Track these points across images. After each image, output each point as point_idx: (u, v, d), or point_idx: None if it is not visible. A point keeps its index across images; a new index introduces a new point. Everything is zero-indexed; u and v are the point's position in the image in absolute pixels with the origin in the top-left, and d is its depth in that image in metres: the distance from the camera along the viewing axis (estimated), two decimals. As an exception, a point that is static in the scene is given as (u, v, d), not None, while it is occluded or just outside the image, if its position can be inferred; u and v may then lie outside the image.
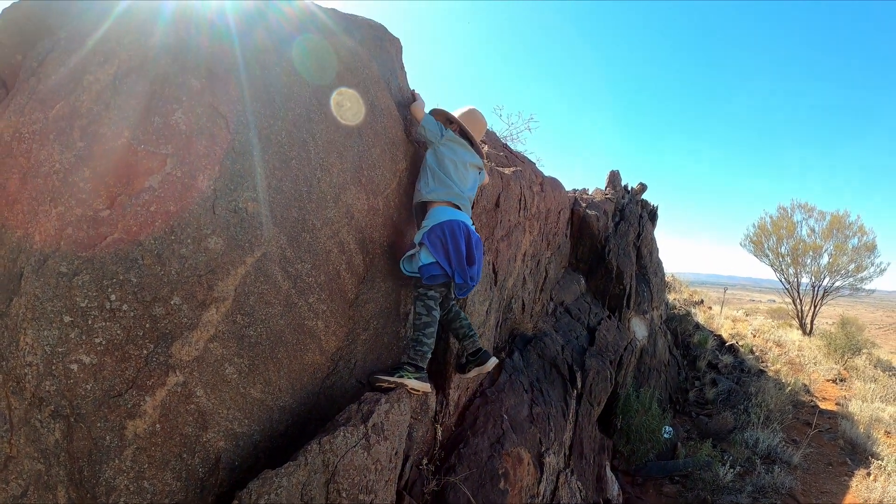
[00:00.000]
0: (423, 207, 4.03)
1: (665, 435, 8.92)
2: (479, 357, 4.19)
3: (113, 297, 2.42)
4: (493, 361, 4.21)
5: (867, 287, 23.91)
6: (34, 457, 2.39)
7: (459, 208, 3.96)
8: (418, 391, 3.65)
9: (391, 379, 3.52)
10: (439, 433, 4.26)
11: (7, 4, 3.10)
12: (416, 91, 4.54)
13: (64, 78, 2.66)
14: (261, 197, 2.93)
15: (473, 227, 4.08)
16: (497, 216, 5.41)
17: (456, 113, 4.34)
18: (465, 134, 4.24)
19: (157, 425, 2.51)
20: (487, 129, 7.84)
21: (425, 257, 3.77)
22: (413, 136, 4.27)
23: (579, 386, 6.44)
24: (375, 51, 4.12)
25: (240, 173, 2.84)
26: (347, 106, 3.61)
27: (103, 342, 2.40)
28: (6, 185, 2.58)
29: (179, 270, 2.57)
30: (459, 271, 3.80)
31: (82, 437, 2.39)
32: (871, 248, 23.22)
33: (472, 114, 4.37)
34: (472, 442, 4.39)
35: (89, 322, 2.38)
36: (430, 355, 3.75)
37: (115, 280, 2.43)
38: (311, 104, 3.36)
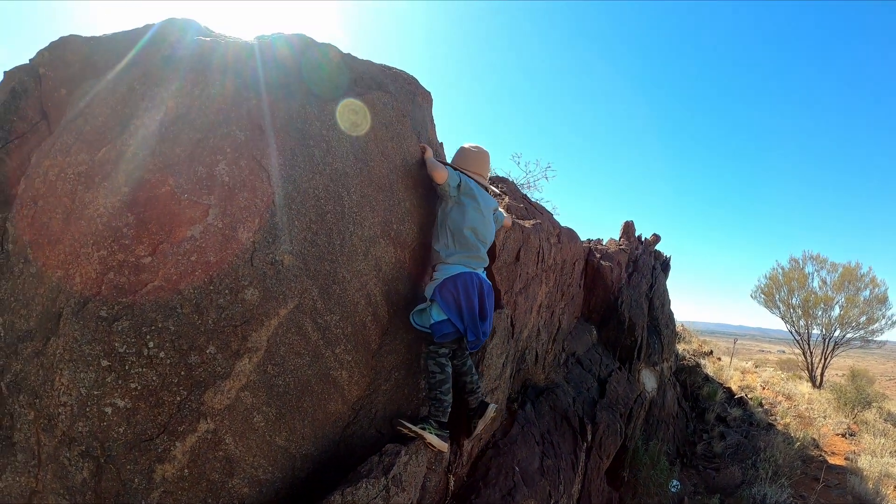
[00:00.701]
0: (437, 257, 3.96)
1: (672, 489, 8.83)
2: (478, 410, 4.11)
3: (151, 344, 2.48)
4: (492, 408, 4.12)
5: (878, 339, 23.65)
6: (60, 493, 2.44)
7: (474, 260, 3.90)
8: (435, 448, 3.64)
9: (414, 428, 3.53)
10: (452, 483, 4.26)
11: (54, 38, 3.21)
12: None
13: (111, 121, 2.76)
14: (296, 250, 3.00)
15: (485, 274, 4.03)
16: (516, 270, 5.46)
17: (455, 160, 4.25)
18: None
19: (186, 470, 2.55)
20: (507, 179, 7.91)
21: (437, 314, 3.71)
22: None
23: (589, 439, 6.42)
24: (408, 104, 4.20)
25: (278, 226, 2.91)
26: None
27: (139, 387, 2.46)
28: (49, 225, 2.66)
29: (216, 320, 2.63)
30: (472, 328, 3.75)
31: (111, 478, 2.43)
32: (883, 301, 22.99)
33: (465, 154, 4.24)
34: (484, 493, 4.38)
35: (126, 367, 2.44)
36: (450, 409, 3.74)
37: (153, 327, 2.49)
38: (349, 159, 3.45)
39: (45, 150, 2.82)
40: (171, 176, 2.63)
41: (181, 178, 2.65)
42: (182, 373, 2.54)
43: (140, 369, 2.46)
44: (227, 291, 2.67)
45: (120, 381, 2.43)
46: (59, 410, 2.43)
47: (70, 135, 2.78)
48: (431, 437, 3.57)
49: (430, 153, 4.15)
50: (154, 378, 2.48)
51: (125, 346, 2.45)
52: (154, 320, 2.50)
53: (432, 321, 3.72)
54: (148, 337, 2.48)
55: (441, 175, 3.88)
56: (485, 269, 4.12)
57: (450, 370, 3.78)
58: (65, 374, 2.43)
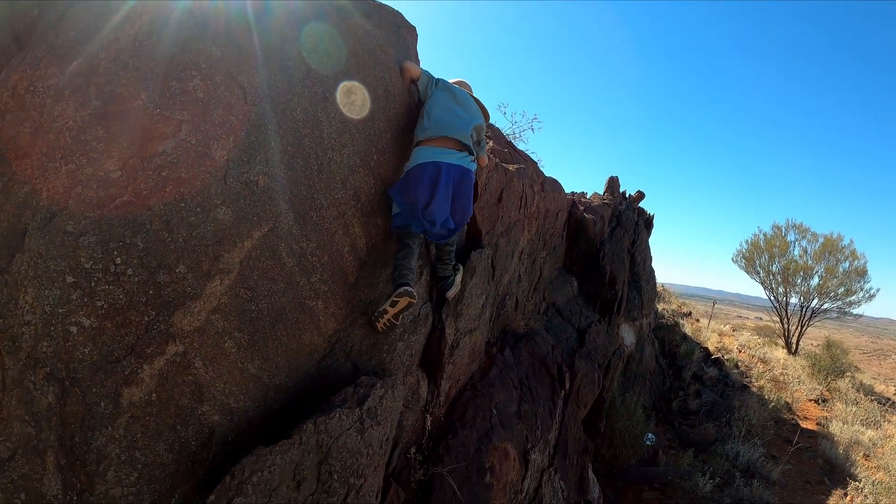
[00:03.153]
0: None
1: (647, 441, 8.96)
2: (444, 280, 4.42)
3: (118, 261, 2.39)
4: (457, 281, 4.44)
5: (855, 311, 23.84)
6: (25, 419, 2.33)
7: (446, 146, 3.85)
8: (405, 301, 3.61)
9: (391, 300, 3.60)
10: (429, 423, 4.26)
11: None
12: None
13: (83, 34, 2.60)
14: (272, 171, 2.91)
15: (467, 161, 3.93)
16: (499, 211, 5.41)
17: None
18: None
19: (154, 395, 2.48)
20: (493, 125, 7.82)
21: (394, 208, 3.80)
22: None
23: (567, 386, 6.45)
24: (392, 37, 4.09)
25: (254, 146, 2.81)
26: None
27: (105, 306, 2.36)
28: (17, 139, 2.53)
29: (187, 239, 2.55)
30: (415, 221, 3.72)
31: (76, 401, 2.34)
32: (862, 273, 23.20)
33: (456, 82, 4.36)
34: (461, 434, 4.39)
35: (92, 284, 2.35)
36: (413, 277, 3.74)
37: (121, 243, 2.40)
38: (328, 84, 3.34)
39: (14, 65, 2.68)
40: (143, 90, 2.51)
41: (154, 93, 2.53)
42: (150, 292, 2.45)
43: (106, 287, 2.36)
44: (198, 209, 2.58)
45: (85, 299, 2.34)
46: (24, 330, 2.32)
47: (40, 48, 2.63)
48: (401, 299, 3.60)
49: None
50: (121, 296, 2.39)
51: (91, 262, 2.35)
52: (122, 236, 2.40)
53: (393, 213, 3.83)
54: (115, 253, 2.38)
55: (416, 71, 4.08)
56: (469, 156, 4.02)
57: (415, 247, 3.84)
58: (29, 292, 2.32)
